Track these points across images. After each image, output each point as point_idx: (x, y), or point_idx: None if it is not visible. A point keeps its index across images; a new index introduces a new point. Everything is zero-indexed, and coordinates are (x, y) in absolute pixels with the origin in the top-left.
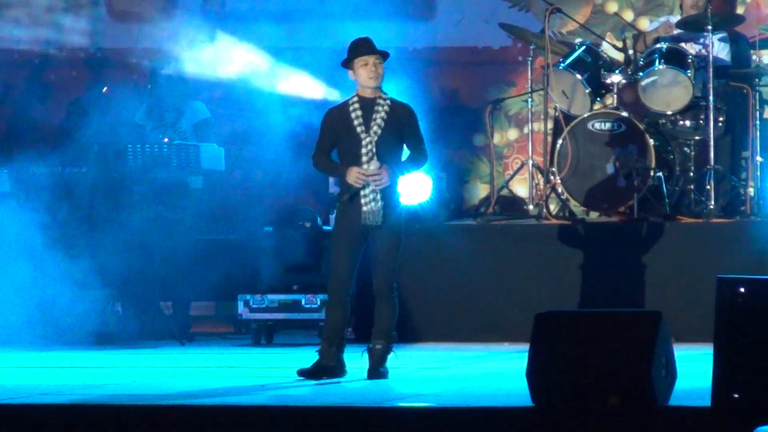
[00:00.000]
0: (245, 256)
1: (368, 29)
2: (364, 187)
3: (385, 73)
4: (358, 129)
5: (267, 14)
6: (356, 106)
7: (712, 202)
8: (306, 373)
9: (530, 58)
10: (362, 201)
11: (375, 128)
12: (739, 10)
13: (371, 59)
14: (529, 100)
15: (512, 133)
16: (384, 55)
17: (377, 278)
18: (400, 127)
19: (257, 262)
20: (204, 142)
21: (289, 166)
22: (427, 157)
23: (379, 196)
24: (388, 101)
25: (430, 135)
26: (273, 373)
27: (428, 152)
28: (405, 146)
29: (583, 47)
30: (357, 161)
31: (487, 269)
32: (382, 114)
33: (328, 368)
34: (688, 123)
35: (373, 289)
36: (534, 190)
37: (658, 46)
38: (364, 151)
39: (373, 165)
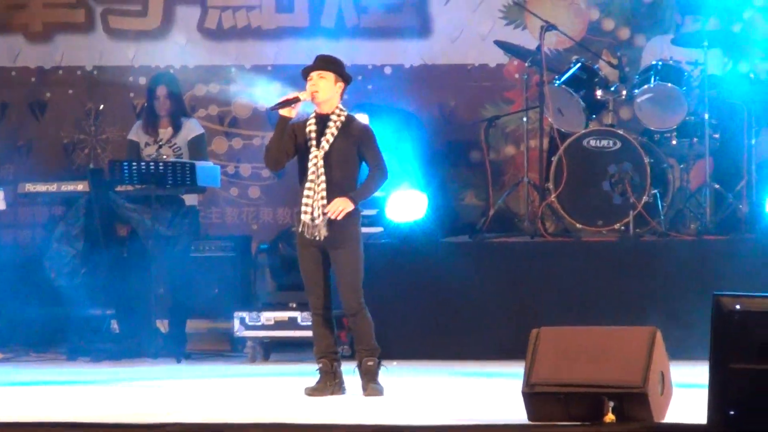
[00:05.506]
0: (241, 274)
1: (364, 47)
2: (307, 204)
3: (349, 88)
4: (309, 143)
5: (263, 32)
6: (312, 121)
7: (708, 219)
8: (312, 391)
9: (526, 76)
10: (302, 216)
11: (323, 143)
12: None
13: (314, 74)
14: (525, 117)
15: (509, 150)
16: (329, 69)
17: (345, 299)
18: (356, 144)
19: (253, 280)
20: (198, 159)
21: (284, 183)
22: (387, 174)
23: (321, 211)
24: (343, 117)
25: (426, 152)
26: (269, 391)
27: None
28: (365, 164)
29: (579, 64)
30: (306, 173)
31: (483, 286)
32: (333, 129)
33: (333, 386)
34: (683, 140)
35: (344, 310)
36: (529, 207)
37: (654, 62)
38: (310, 164)
39: (320, 179)
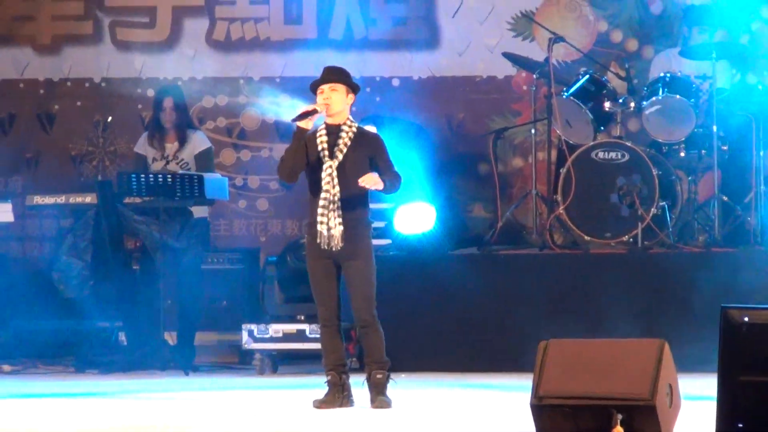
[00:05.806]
0: (249, 286)
1: (372, 59)
2: (323, 214)
3: (360, 101)
4: (321, 154)
5: (271, 44)
6: (323, 133)
7: (716, 231)
8: (321, 404)
9: (534, 88)
10: (318, 227)
11: (337, 153)
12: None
13: (325, 87)
14: (533, 129)
15: (517, 162)
16: (340, 81)
17: (358, 311)
18: (368, 154)
19: (261, 292)
20: (205, 172)
21: (293, 195)
22: (401, 178)
23: (337, 222)
24: (354, 128)
25: (434, 164)
26: (278, 404)
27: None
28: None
29: (587, 76)
30: (319, 184)
31: (491, 298)
32: (346, 140)
33: (342, 398)
34: (692, 152)
35: (355, 322)
36: (538, 220)
37: (662, 74)
38: (324, 174)
39: (335, 189)
